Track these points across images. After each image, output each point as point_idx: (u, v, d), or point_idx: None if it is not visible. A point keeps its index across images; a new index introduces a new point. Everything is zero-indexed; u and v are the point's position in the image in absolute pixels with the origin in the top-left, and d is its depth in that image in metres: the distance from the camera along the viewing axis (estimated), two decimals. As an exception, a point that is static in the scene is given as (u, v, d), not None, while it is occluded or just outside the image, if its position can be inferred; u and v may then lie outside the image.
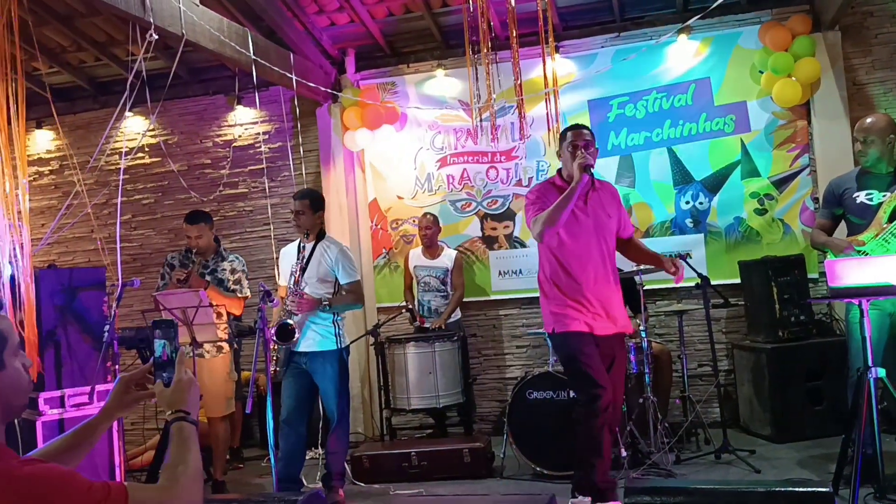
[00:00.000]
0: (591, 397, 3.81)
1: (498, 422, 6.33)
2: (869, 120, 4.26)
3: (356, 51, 6.92)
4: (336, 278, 4.67)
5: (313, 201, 4.76)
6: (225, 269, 5.06)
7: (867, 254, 4.03)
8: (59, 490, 1.43)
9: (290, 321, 4.46)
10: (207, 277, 4.98)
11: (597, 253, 3.96)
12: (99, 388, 4.58)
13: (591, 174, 3.91)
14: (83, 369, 4.81)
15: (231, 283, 5.03)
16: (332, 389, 4.60)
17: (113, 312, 4.57)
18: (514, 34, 5.07)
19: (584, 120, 6.46)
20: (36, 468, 1.47)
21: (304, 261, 4.65)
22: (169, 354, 1.83)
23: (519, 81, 5.32)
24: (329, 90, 6.61)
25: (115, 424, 4.72)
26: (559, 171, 4.16)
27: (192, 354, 4.73)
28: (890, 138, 4.16)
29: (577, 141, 3.97)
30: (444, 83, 6.74)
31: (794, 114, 6.18)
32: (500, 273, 6.67)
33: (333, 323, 4.65)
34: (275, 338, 4.36)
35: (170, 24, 4.77)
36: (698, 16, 5.55)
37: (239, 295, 5.01)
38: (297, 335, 4.47)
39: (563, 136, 4.11)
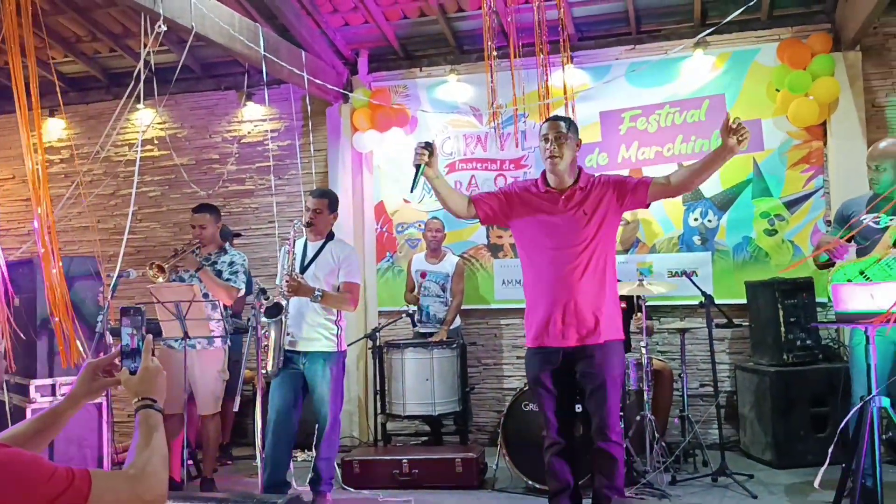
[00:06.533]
0: None
1: (494, 433, 6.24)
2: (882, 146, 4.16)
3: (369, 52, 6.89)
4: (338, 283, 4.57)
5: (332, 201, 4.71)
6: (224, 262, 5.04)
7: (869, 279, 3.93)
8: (21, 475, 1.41)
9: (282, 301, 4.37)
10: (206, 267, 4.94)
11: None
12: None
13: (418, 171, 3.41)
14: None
15: (227, 273, 4.99)
16: (328, 392, 4.49)
17: (107, 303, 4.55)
18: (542, 41, 5.15)
19: (596, 132, 6.38)
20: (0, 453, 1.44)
21: (310, 259, 4.59)
22: (136, 342, 1.80)
23: (547, 82, 5.38)
24: (340, 90, 6.58)
25: (104, 416, 4.70)
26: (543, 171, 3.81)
27: (184, 346, 4.72)
28: None
29: (547, 133, 3.65)
30: (457, 88, 6.69)
31: (809, 134, 6.07)
32: (503, 282, 6.60)
33: (336, 324, 4.55)
34: (262, 313, 4.27)
35: (179, 17, 4.76)
36: (712, 28, 5.47)
37: (232, 285, 4.95)
38: (284, 312, 4.36)
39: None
